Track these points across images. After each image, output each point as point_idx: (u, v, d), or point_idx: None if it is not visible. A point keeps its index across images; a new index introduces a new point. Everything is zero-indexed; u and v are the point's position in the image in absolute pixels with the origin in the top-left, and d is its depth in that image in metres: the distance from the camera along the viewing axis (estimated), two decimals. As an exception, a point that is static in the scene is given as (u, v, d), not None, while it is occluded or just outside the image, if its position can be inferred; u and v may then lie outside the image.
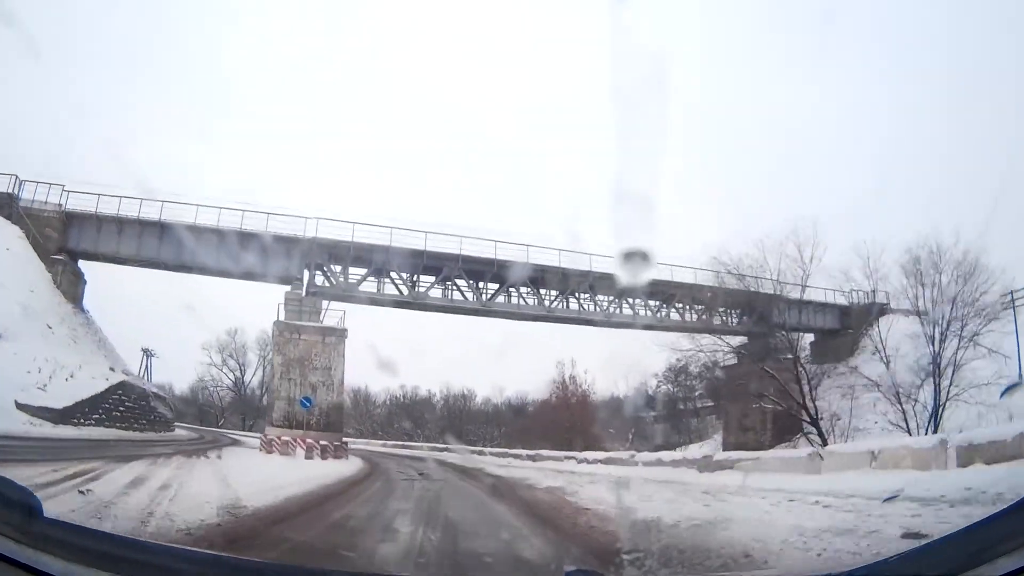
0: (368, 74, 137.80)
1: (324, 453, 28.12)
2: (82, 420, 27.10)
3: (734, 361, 39.99)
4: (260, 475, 15.86)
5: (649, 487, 17.30)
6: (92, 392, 28.86)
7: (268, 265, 33.86)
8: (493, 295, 38.05)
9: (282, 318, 34.48)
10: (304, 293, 35.21)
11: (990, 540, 1.61)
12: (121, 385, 33.12)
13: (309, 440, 28.61)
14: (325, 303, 35.50)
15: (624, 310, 40.10)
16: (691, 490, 15.97)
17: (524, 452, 38.77)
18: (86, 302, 36.64)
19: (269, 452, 27.91)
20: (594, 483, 19.66)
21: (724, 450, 33.66)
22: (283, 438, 28.87)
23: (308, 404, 31.93)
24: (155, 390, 47.08)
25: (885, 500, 11.15)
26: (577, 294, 39.05)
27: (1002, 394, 27.38)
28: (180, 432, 47.93)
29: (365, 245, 35.48)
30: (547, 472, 26.18)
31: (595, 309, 39.47)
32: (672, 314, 41.05)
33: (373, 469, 25.62)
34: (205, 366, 74.33)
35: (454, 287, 38.11)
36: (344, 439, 35.15)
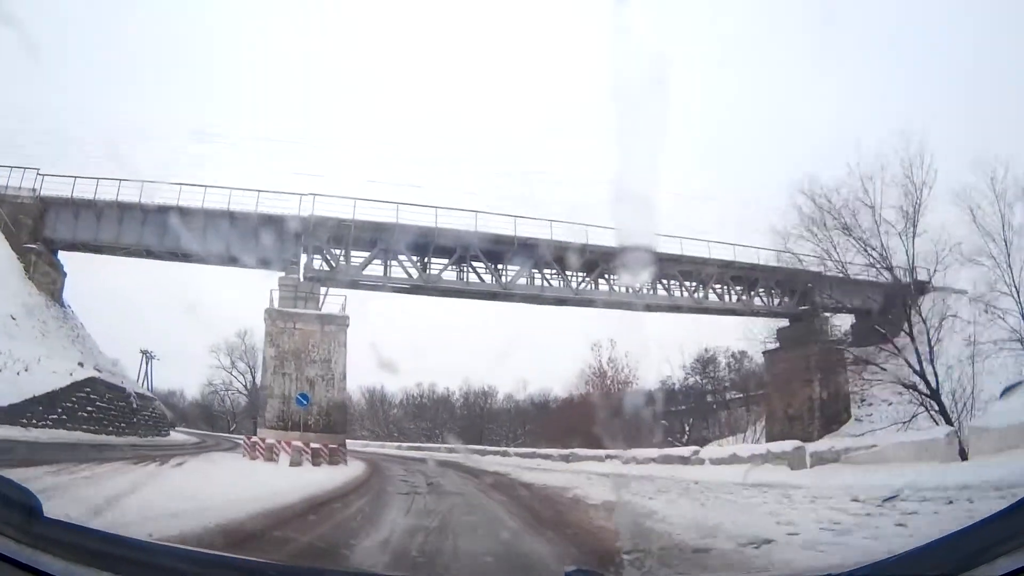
0: (371, 48, 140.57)
1: (316, 458, 26.77)
2: (35, 420, 26.56)
3: (774, 345, 41.18)
4: (208, 489, 13.32)
5: (755, 497, 14.64)
6: (50, 388, 28.28)
7: (259, 249, 33.77)
8: (514, 277, 37.88)
9: (276, 306, 34.26)
10: (301, 278, 35.01)
11: (990, 540, 1.78)
12: (90, 382, 32.71)
13: (296, 443, 27.26)
14: (324, 289, 35.34)
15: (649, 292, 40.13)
16: (829, 502, 12.39)
17: (556, 452, 38.26)
18: (75, 299, 37.71)
19: (253, 457, 26.67)
20: (666, 493, 16.92)
21: (767, 441, 34.24)
22: (267, 441, 27.68)
23: (305, 402, 31.64)
24: (141, 390, 47.80)
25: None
26: (608, 276, 39.03)
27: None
28: (178, 436, 49.21)
29: (369, 223, 35.41)
30: (592, 478, 23.47)
31: (626, 291, 39.60)
32: (705, 295, 41.14)
33: (370, 478, 23.65)
34: (214, 369, 76.97)
35: (470, 269, 38.07)
36: (346, 441, 35.06)
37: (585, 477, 24.10)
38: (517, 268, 37.74)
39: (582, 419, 47.38)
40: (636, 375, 47.55)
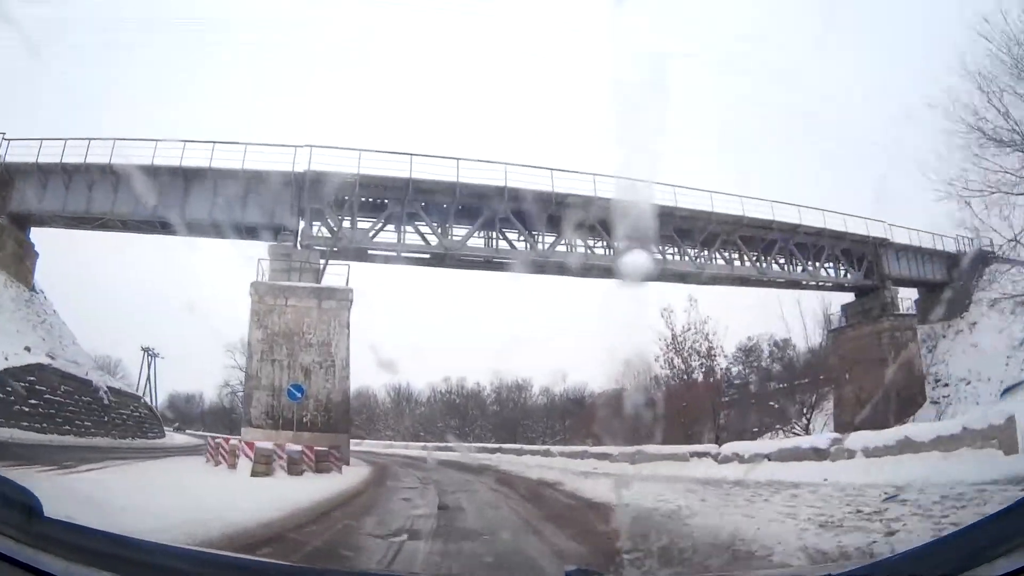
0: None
1: (293, 465, 23.53)
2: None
3: (842, 324, 42.54)
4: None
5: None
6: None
7: (246, 213, 33.92)
8: (553, 243, 37.68)
9: (266, 278, 33.79)
10: (297, 246, 34.70)
11: (989, 540, 2.08)
12: (36, 369, 32.25)
13: (263, 445, 23.62)
14: (323, 259, 34.95)
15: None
16: None
17: (615, 450, 33.80)
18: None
19: (217, 463, 24.81)
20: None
21: (836, 430, 33.65)
22: (231, 441, 25.58)
23: (299, 395, 30.73)
24: (119, 386, 48.37)
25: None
26: (663, 247, 39.53)
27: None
28: (177, 439, 50.89)
29: (377, 178, 35.02)
30: (726, 490, 18.88)
31: (683, 259, 40.16)
32: (768, 264, 42.17)
33: (355, 498, 19.73)
34: (231, 369, 79.56)
35: (500, 235, 37.79)
36: (350, 441, 34.90)
37: (689, 493, 18.58)
38: (554, 236, 37.69)
39: (647, 411, 47.18)
40: (722, 347, 43.14)
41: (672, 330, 41.15)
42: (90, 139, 34.44)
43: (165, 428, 59.62)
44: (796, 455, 22.32)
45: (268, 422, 31.98)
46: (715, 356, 41.46)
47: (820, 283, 43.22)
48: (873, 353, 38.34)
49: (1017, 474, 13.42)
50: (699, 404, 39.43)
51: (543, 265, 37.44)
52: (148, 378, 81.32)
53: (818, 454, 21.36)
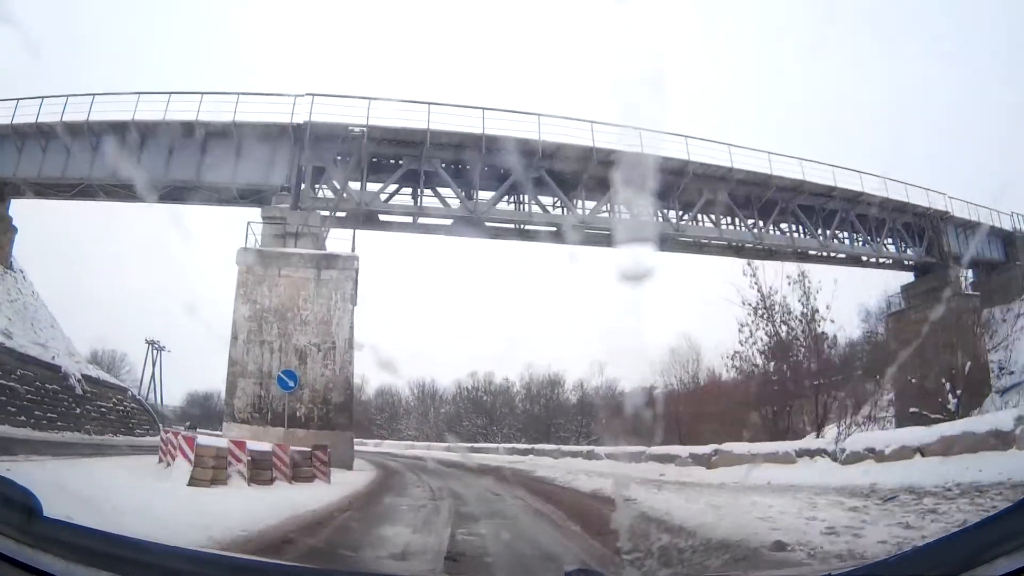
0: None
1: (258, 471, 20.12)
2: None
3: (901, 306, 44.40)
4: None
5: None
6: None
7: (238, 172, 33.89)
8: (595, 209, 37.47)
9: (259, 245, 33.34)
10: (299, 207, 34.18)
11: (989, 541, 2.34)
12: None
13: (207, 442, 19.24)
14: (325, 220, 34.56)
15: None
16: None
17: (684, 450, 31.85)
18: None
19: (169, 463, 20.50)
20: None
21: (898, 425, 34.70)
22: (181, 435, 20.98)
23: (291, 384, 29.73)
24: (98, 375, 48.81)
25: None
26: (718, 215, 40.09)
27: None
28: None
29: (389, 129, 34.74)
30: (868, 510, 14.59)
31: (738, 227, 41.01)
32: (828, 238, 42.78)
33: (321, 528, 14.33)
34: None
35: (533, 200, 37.32)
36: (353, 441, 34.41)
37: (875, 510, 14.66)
38: (594, 202, 37.64)
39: (709, 400, 46.56)
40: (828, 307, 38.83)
41: (759, 288, 38.24)
42: (67, 96, 34.90)
43: (176, 426, 60.71)
44: (970, 443, 18.71)
45: (254, 416, 31.50)
46: (819, 321, 38.38)
47: (881, 260, 44.25)
48: (937, 338, 38.62)
49: None
50: (793, 389, 37.59)
51: (583, 234, 37.02)
52: (153, 375, 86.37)
53: (1001, 440, 18.04)
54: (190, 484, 17.37)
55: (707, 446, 30.50)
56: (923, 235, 44.10)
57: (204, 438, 19.85)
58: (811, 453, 24.98)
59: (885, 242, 44.34)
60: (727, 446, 29.14)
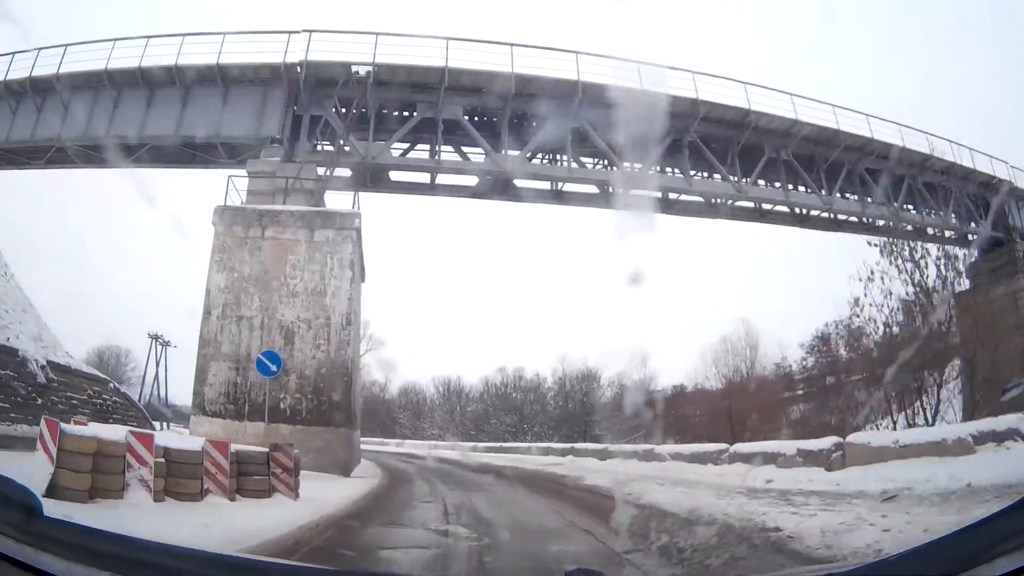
0: None
1: (177, 481, 15.94)
2: None
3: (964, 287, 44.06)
4: None
5: None
6: None
7: (222, 124, 33.43)
8: (643, 168, 36.08)
9: (242, 202, 32.56)
10: (285, 160, 33.36)
11: (990, 540, 2.64)
12: None
13: (77, 431, 14.49)
14: (322, 173, 34.06)
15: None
16: None
17: (792, 446, 28.01)
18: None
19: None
20: None
21: (965, 415, 35.36)
22: (45, 418, 16.03)
23: (274, 368, 28.05)
24: (68, 363, 49.40)
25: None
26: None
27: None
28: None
29: (400, 68, 34.08)
30: None
31: (803, 188, 41.50)
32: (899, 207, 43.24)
33: None
34: None
35: (572, 158, 36.25)
36: (359, 439, 34.45)
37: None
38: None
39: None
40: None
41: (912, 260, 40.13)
42: (39, 48, 35.17)
43: (173, 423, 62.30)
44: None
45: (228, 408, 30.55)
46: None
47: (948, 232, 44.66)
48: (1008, 320, 39.82)
49: None
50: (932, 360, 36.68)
51: (630, 198, 36.72)
52: (156, 371, 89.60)
53: None
54: (48, 495, 12.71)
55: (823, 439, 26.40)
56: (987, 207, 44.16)
57: (69, 427, 14.70)
58: (998, 437, 20.87)
59: (950, 214, 44.31)
60: (858, 437, 25.15)
